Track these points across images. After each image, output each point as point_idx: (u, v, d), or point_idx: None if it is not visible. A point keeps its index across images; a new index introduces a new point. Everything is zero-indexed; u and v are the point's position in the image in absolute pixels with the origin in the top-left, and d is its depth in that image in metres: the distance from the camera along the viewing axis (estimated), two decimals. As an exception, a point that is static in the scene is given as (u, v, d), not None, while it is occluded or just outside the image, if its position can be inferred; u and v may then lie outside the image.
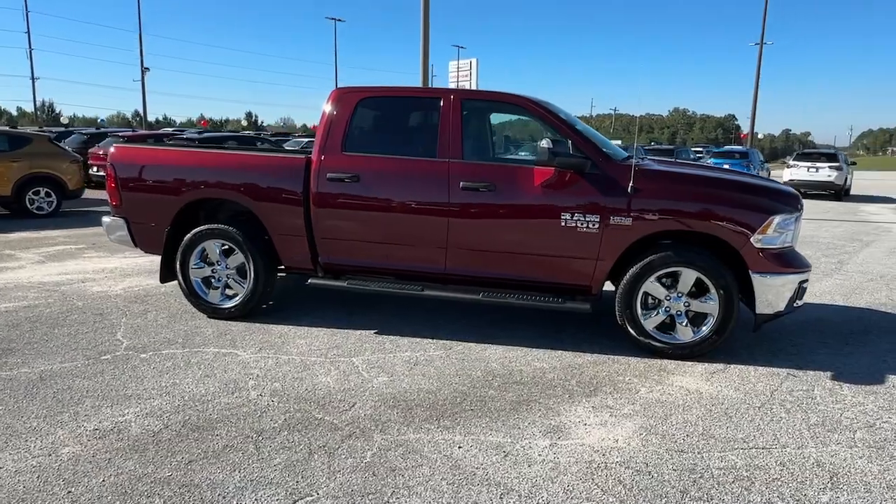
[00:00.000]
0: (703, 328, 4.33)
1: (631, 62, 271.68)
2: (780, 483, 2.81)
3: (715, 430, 3.32)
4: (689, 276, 4.29)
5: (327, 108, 4.82)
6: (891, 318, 5.57)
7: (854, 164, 21.28)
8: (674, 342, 4.38)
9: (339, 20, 53.08)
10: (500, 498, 2.65)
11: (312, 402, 3.56)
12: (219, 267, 5.08)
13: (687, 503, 2.64)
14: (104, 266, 7.09)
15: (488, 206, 4.49)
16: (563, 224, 4.37)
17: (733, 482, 2.81)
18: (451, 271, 4.69)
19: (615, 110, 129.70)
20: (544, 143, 4.21)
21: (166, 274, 5.22)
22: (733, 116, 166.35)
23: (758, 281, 4.21)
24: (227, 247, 5.02)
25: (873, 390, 3.91)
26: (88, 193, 13.03)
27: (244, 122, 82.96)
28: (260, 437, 3.14)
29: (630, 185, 4.26)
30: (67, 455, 2.93)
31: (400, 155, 4.74)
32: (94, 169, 14.71)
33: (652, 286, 4.36)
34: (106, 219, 5.39)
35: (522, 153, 5.69)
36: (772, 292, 4.23)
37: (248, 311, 5.05)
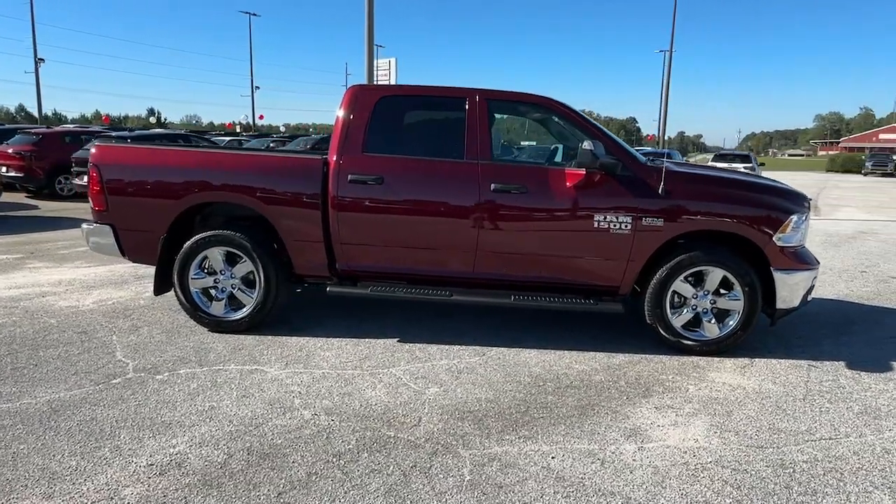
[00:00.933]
0: (729, 324, 4.48)
1: (537, 64, 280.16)
2: (865, 472, 2.94)
3: (778, 423, 3.44)
4: (716, 275, 4.42)
5: (344, 107, 4.58)
6: (866, 309, 6.02)
7: (763, 164, 23.04)
8: (702, 339, 4.51)
9: (254, 14, 51.13)
10: (627, 508, 2.61)
11: (376, 420, 3.35)
12: (222, 276, 4.70)
13: (796, 498, 2.71)
14: (59, 277, 6.39)
15: (520, 208, 4.43)
16: (595, 225, 4.38)
17: (824, 475, 2.91)
18: (478, 275, 4.59)
19: None
20: (587, 145, 4.20)
21: (161, 285, 4.77)
22: (634, 119, 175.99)
23: (778, 277, 4.41)
24: (231, 254, 4.65)
25: (890, 377, 4.19)
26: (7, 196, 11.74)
27: (152, 120, 77.90)
28: (342, 462, 2.91)
29: (661, 186, 4.34)
30: (134, 498, 2.59)
31: (425, 156, 4.58)
32: (4, 169, 13.30)
33: (681, 285, 4.46)
34: (86, 226, 4.84)
35: (527, 154, 5.66)
36: (789, 289, 4.45)
37: (257, 323, 4.71)
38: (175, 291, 4.72)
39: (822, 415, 3.57)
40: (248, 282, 4.71)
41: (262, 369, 4.03)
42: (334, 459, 2.93)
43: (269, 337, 4.65)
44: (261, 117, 53.04)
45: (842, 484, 2.83)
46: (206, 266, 4.72)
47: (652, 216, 4.35)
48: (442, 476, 2.81)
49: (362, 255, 4.60)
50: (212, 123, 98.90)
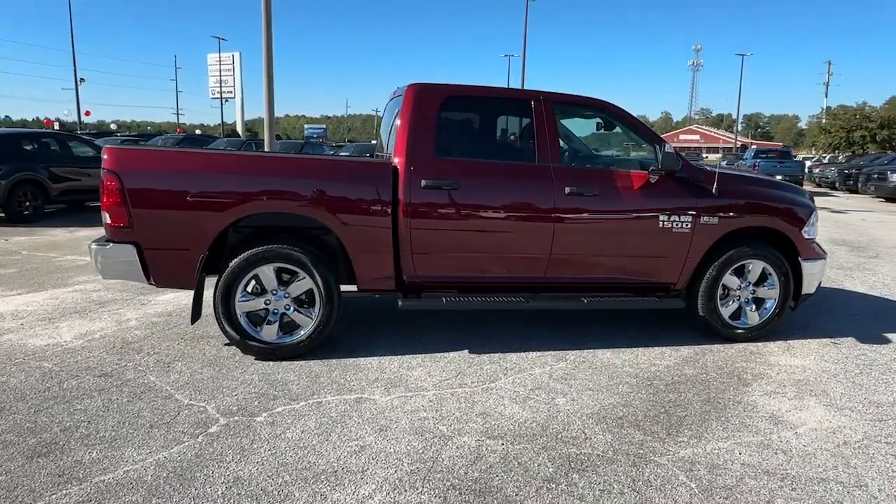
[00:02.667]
0: (767, 311, 4.91)
1: (385, 63, 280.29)
2: (972, 431, 3.41)
3: (870, 397, 3.85)
4: (757, 267, 4.82)
5: (408, 106, 4.27)
6: (838, 293, 6.88)
7: None
8: (747, 326, 4.89)
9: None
10: (858, 488, 2.77)
11: (543, 438, 3.19)
12: (274, 297, 4.15)
13: (953, 462, 3.07)
14: (9, 308, 5.20)
15: (593, 210, 4.46)
16: (660, 225, 4.56)
17: (949, 437, 3.33)
18: (549, 279, 4.54)
19: (377, 111, 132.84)
20: (668, 149, 4.34)
21: (198, 312, 4.10)
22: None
23: (804, 266, 4.92)
24: (283, 271, 4.13)
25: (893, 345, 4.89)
26: None
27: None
28: (562, 486, 2.74)
29: (715, 186, 4.63)
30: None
31: (496, 159, 4.43)
32: None
33: (729, 279, 4.80)
34: (96, 245, 3.99)
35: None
36: (811, 276, 4.99)
37: (317, 345, 4.23)
38: (218, 319, 4.08)
39: (891, 385, 4.06)
40: (300, 301, 4.22)
41: (366, 397, 3.64)
42: (551, 486, 2.75)
43: (333, 360, 4.21)
44: (87, 113, 47.05)
45: (970, 444, 3.26)
46: (252, 287, 4.14)
47: (708, 215, 4.62)
48: (669, 486, 2.77)
49: (433, 264, 4.33)
50: (24, 121, 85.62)
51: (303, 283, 4.15)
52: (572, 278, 4.59)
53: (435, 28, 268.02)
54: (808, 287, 4.99)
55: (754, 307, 4.90)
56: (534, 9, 40.85)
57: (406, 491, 2.68)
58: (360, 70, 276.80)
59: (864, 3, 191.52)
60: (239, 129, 57.41)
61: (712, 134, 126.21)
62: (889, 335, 5.16)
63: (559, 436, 3.23)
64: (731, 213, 4.67)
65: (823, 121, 47.94)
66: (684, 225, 4.59)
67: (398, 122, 4.31)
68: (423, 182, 4.18)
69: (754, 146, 39.17)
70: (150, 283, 4.07)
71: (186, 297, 5.73)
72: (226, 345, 4.45)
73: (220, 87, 51.64)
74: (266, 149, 13.69)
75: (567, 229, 4.42)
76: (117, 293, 5.86)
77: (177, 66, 78.47)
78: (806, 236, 4.91)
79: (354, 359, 4.26)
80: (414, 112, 4.26)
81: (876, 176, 20.90)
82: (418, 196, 4.18)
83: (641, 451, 3.08)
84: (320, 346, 4.32)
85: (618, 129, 4.82)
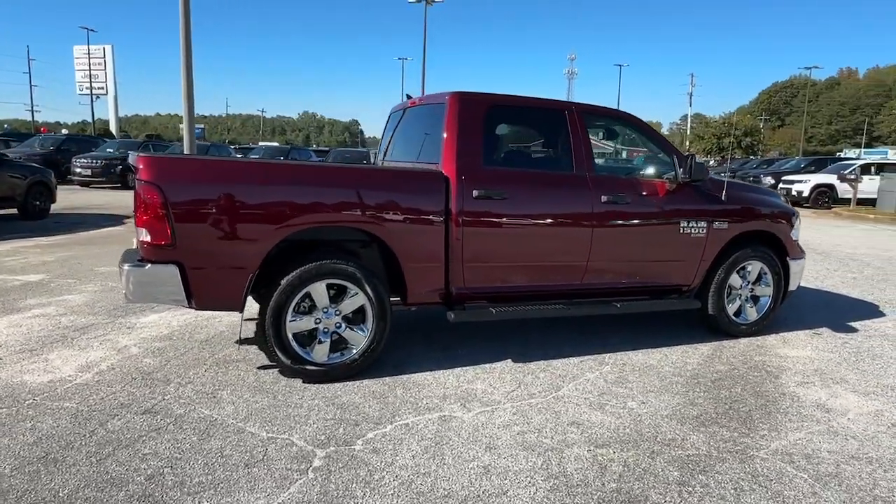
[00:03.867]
0: (763, 307, 5.35)
1: (260, 63, 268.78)
2: (976, 405, 3.94)
3: (883, 381, 4.33)
4: (756, 267, 5.25)
5: (453, 114, 4.19)
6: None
7: None
8: (748, 322, 5.30)
9: None
10: (936, 468, 3.11)
11: (649, 442, 3.28)
12: (324, 315, 3.91)
13: (982, 434, 3.54)
14: (-43, 344, 4.44)
15: (625, 217, 4.63)
16: (681, 231, 4.83)
17: (964, 412, 3.82)
18: (586, 285, 4.66)
19: (263, 111, 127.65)
20: (699, 159, 4.59)
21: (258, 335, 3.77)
22: (357, 122, 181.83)
23: (791, 265, 5.42)
24: (334, 287, 3.91)
25: (862, 329, 5.51)
26: None
27: None
28: (699, 489, 2.84)
29: (724, 193, 4.98)
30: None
31: (538, 169, 4.47)
32: None
33: (734, 279, 5.18)
34: (131, 267, 3.53)
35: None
36: (796, 274, 5.50)
37: (370, 364, 4.04)
38: (269, 342, 3.78)
39: (889, 367, 4.58)
40: (348, 318, 4.01)
41: (449, 415, 3.53)
42: (689, 489, 2.83)
43: (387, 378, 4.04)
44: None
45: (984, 417, 3.77)
46: (300, 306, 3.88)
47: (719, 220, 4.96)
48: (787, 478, 2.95)
49: (482, 274, 4.29)
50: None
51: (355, 299, 3.94)
52: (604, 284, 4.73)
53: (324, 26, 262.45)
54: (793, 284, 5.50)
55: (752, 304, 5.32)
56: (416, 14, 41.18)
57: (561, 509, 2.65)
58: (240, 71, 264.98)
59: (722, 22, 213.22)
60: (112, 128, 52.90)
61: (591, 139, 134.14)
62: (851, 324, 5.81)
63: (657, 439, 3.33)
64: (738, 218, 5.05)
65: (688, 127, 52.65)
66: (700, 230, 4.89)
67: (444, 132, 4.21)
68: (475, 192, 4.12)
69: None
70: (190, 307, 3.68)
71: (174, 317, 5.24)
72: (260, 367, 4.13)
73: (91, 81, 47.26)
74: (186, 151, 12.75)
75: (603, 237, 4.55)
76: (89, 317, 5.22)
77: (29, 58, 69.95)
78: (793, 238, 5.41)
79: (407, 375, 4.11)
80: (461, 121, 4.19)
81: (751, 179, 23.32)
82: (470, 206, 4.12)
83: (738, 448, 3.26)
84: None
85: (631, 137, 5.04)
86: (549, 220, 4.40)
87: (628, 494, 2.77)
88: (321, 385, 3.87)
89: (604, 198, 4.51)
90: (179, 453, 2.98)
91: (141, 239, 3.53)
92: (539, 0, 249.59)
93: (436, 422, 3.44)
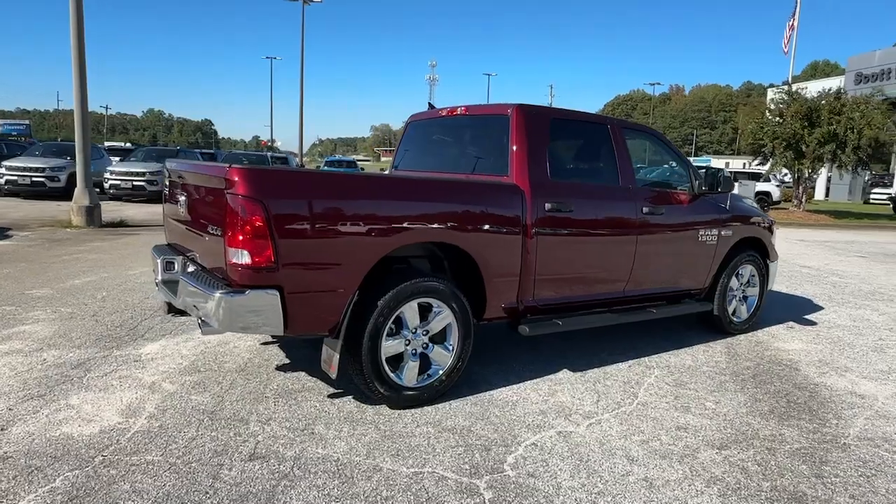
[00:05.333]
0: (751, 306, 5.90)
1: (99, 54, 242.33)
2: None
3: (878, 366, 4.96)
4: (748, 270, 5.77)
5: (519, 127, 4.16)
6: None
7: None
8: (742, 320, 5.81)
9: None
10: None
11: (760, 441, 3.49)
12: (413, 335, 3.71)
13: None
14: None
15: (660, 227, 4.87)
16: (699, 238, 5.19)
17: (955, 389, 4.51)
18: (627, 294, 4.83)
19: (108, 108, 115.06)
20: (727, 173, 4.94)
21: (344, 364, 3.46)
22: (210, 122, 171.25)
23: (771, 266, 6.04)
24: (425, 306, 3.73)
25: (857, 328, 6.28)
26: None
27: None
28: (838, 479, 3.08)
29: (728, 203, 5.43)
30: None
31: (593, 181, 4.57)
32: None
33: (733, 281, 5.66)
34: (224, 294, 3.08)
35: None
36: (772, 275, 6.13)
37: (454, 382, 3.89)
38: (364, 370, 3.49)
39: (880, 352, 5.26)
40: (434, 337, 3.84)
41: (565, 431, 3.50)
42: (823, 480, 3.07)
43: (470, 398, 3.91)
44: None
45: (971, 392, 4.47)
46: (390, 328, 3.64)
47: (726, 228, 5.40)
48: None
49: (552, 287, 4.30)
50: None
51: (444, 317, 3.77)
52: (639, 292, 4.94)
53: (179, 18, 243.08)
54: (771, 284, 6.13)
55: (743, 304, 5.85)
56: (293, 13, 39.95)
57: (746, 513, 2.75)
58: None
59: (578, 35, 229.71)
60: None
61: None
62: (807, 317, 6.60)
63: (760, 435, 3.56)
64: (739, 226, 5.52)
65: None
66: (713, 237, 5.29)
67: (512, 144, 4.15)
68: (547, 205, 4.13)
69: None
70: (284, 335, 3.30)
71: (176, 344, 4.69)
72: (331, 396, 3.81)
73: None
74: (79, 154, 11.25)
75: (644, 246, 4.76)
76: (75, 350, 4.46)
77: None
78: (773, 243, 6.02)
79: (486, 393, 4.00)
80: (528, 133, 4.17)
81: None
82: (543, 219, 4.11)
83: (828, 438, 3.58)
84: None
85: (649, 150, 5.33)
86: (604, 231, 4.52)
87: (787, 491, 2.95)
88: (413, 410, 3.65)
89: (645, 209, 4.73)
90: (336, 501, 2.67)
91: (234, 261, 3.10)
92: (404, 10, 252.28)
93: (558, 438, 3.40)
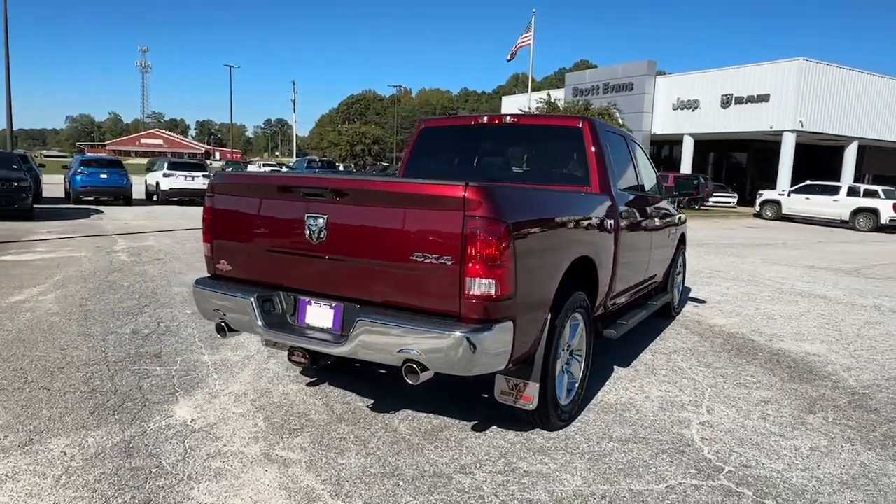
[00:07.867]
0: (679, 290, 6.90)
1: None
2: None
3: (831, 334, 6.27)
4: (680, 261, 6.74)
5: (591, 139, 4.30)
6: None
7: (43, 166, 21.57)
8: (677, 303, 6.76)
9: None
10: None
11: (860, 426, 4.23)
12: (565, 351, 3.63)
13: None
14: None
15: (659, 228, 5.45)
16: (668, 236, 5.92)
17: None
18: (640, 290, 5.30)
19: None
20: (703, 179, 5.66)
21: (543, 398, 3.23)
22: None
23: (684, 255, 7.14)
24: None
25: (739, 302, 7.64)
26: None
27: None
28: (904, 421, 3.95)
29: (674, 206, 6.29)
30: None
31: (630, 188, 4.90)
32: None
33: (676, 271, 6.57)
34: (470, 333, 2.62)
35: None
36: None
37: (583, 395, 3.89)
38: (546, 394, 3.30)
39: (808, 323, 6.62)
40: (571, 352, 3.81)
41: (699, 420, 3.80)
42: (900, 424, 3.92)
43: (588, 409, 3.96)
44: None
45: (862, 342, 5.97)
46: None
47: (676, 226, 6.25)
48: (904, 403, 4.32)
49: (619, 290, 4.52)
50: None
51: (581, 329, 3.75)
52: (643, 286, 5.45)
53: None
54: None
55: (677, 290, 6.83)
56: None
57: None
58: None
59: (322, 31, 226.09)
60: None
61: (178, 139, 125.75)
62: (708, 292, 7.93)
63: (828, 418, 4.32)
64: (678, 224, 6.41)
65: (294, 133, 54.96)
66: (673, 235, 6.09)
67: (588, 157, 4.27)
68: (621, 210, 4.35)
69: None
70: (502, 371, 2.94)
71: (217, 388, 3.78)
72: (473, 426, 3.51)
73: None
74: None
75: (655, 246, 5.29)
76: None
77: None
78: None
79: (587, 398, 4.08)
80: (600, 145, 4.33)
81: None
82: (622, 224, 4.33)
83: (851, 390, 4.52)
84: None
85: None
86: (646, 234, 4.93)
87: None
88: (575, 430, 3.58)
89: (655, 210, 5.26)
90: (657, 534, 2.56)
91: (473, 293, 2.68)
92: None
93: (702, 427, 3.68)
